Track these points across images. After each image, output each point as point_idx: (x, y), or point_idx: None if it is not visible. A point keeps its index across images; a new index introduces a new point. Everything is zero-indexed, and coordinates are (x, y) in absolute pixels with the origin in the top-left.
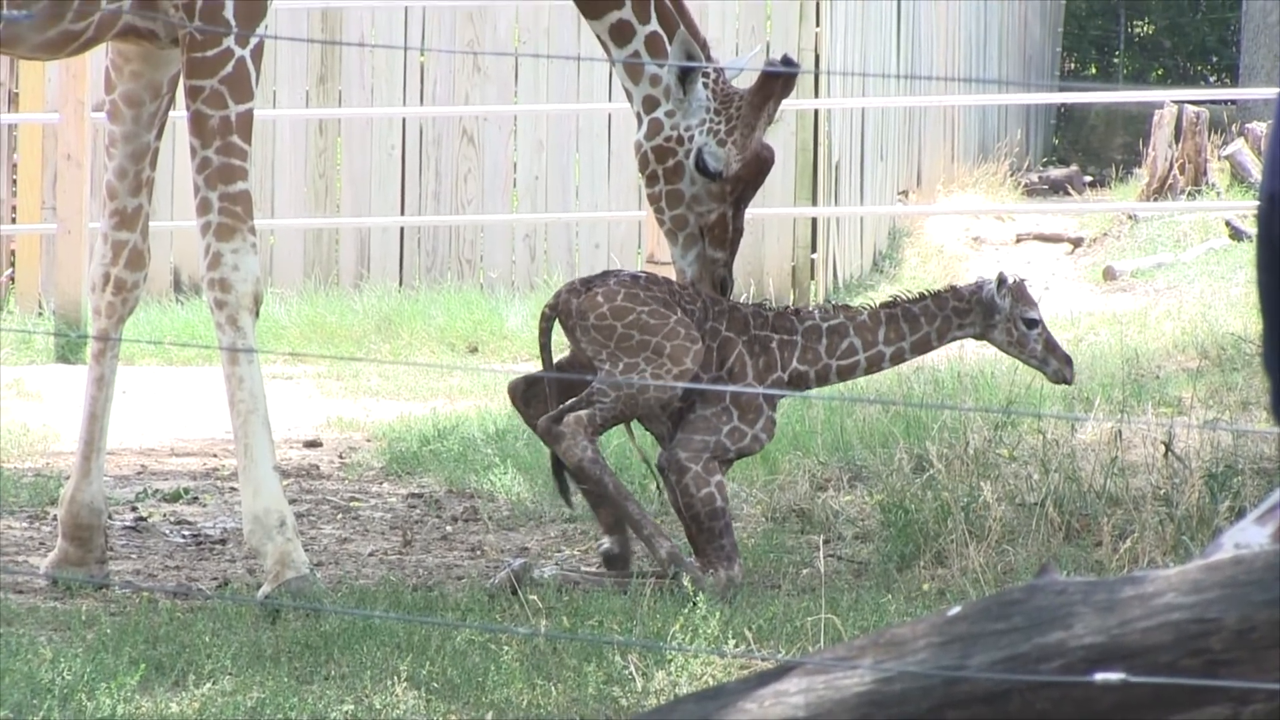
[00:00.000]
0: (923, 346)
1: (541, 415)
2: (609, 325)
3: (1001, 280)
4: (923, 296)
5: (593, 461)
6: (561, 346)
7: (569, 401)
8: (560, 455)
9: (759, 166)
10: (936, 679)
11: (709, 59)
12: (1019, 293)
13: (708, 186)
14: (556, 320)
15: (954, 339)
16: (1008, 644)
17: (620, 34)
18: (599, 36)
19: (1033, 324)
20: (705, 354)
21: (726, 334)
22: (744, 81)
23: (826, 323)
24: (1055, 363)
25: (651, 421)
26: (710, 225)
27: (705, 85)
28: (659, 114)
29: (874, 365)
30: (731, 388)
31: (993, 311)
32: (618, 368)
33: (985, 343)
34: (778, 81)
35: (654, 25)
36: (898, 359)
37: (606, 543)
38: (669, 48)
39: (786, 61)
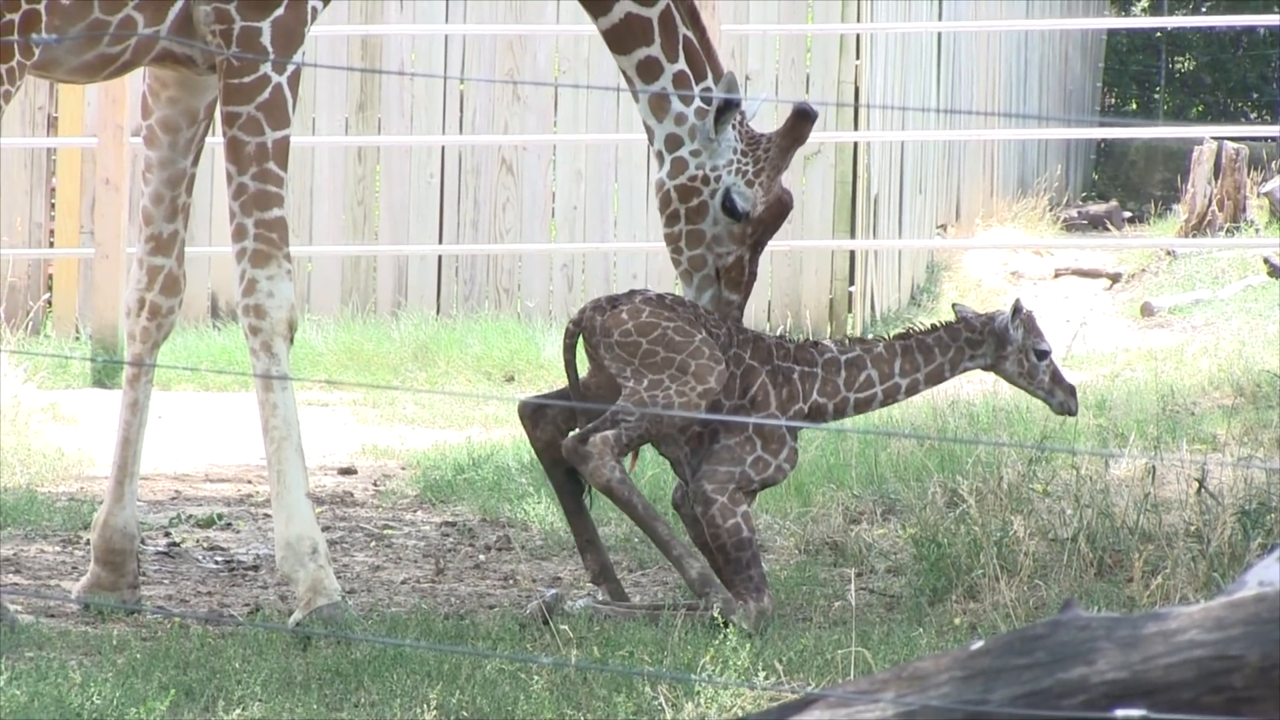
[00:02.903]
0: (936, 377)
1: (548, 438)
2: (634, 342)
3: (1016, 309)
4: (935, 328)
5: (621, 482)
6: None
7: (593, 423)
8: (587, 476)
9: (779, 210)
10: (959, 713)
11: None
12: (1029, 324)
13: (729, 228)
14: (580, 338)
15: (965, 369)
16: (1030, 679)
17: (647, 71)
18: (625, 72)
19: (1043, 355)
20: (728, 380)
21: (750, 362)
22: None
23: (845, 356)
24: (1061, 394)
25: (668, 445)
26: (728, 268)
27: (732, 126)
28: (683, 153)
29: (890, 397)
30: (756, 419)
31: (1005, 343)
32: (642, 384)
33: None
34: (808, 125)
35: (681, 64)
36: (912, 390)
37: (599, 595)
38: (695, 88)
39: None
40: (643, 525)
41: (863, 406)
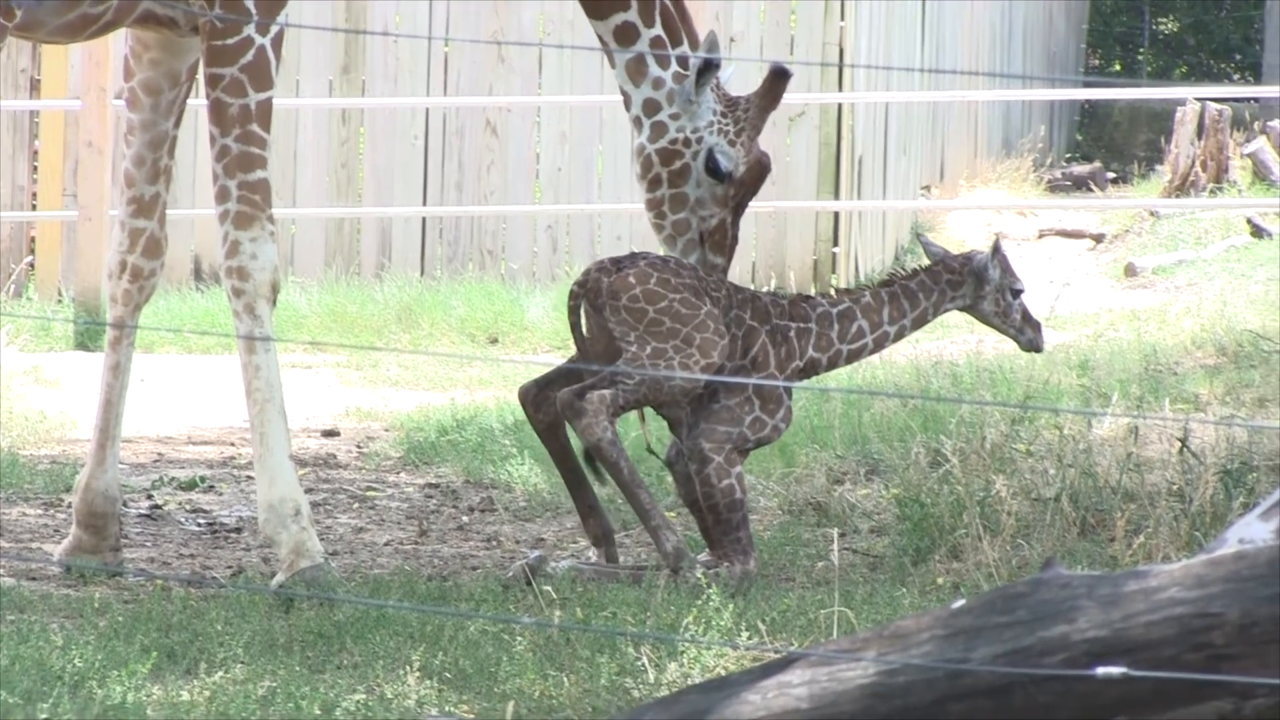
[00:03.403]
0: (921, 321)
1: (551, 419)
2: (640, 308)
3: (995, 248)
4: (916, 272)
5: (611, 443)
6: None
7: (591, 379)
8: (578, 431)
9: (759, 171)
10: (940, 672)
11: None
12: (1005, 264)
13: (712, 190)
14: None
15: (946, 310)
16: (1011, 637)
17: (624, 36)
18: (601, 37)
19: (1017, 294)
20: (730, 343)
21: (751, 323)
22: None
23: (836, 308)
24: (1030, 331)
25: (669, 407)
26: (711, 231)
27: (710, 89)
28: (662, 117)
29: (879, 345)
30: (755, 380)
31: (984, 282)
32: (645, 351)
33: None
34: (784, 85)
35: (658, 30)
36: (900, 336)
37: (593, 556)
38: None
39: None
40: (625, 489)
41: (854, 357)
